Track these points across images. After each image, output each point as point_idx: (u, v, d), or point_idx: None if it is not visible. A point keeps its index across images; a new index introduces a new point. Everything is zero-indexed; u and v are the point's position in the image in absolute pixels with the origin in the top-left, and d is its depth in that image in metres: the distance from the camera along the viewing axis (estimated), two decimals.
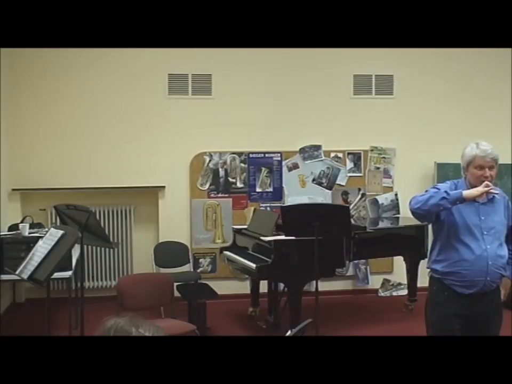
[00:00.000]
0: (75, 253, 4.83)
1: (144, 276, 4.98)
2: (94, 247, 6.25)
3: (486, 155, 3.00)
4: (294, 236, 4.74)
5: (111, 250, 6.38)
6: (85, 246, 4.87)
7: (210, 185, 6.56)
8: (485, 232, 3.05)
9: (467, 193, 2.96)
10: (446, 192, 2.98)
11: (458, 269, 3.05)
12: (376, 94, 6.82)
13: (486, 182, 2.96)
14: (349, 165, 6.78)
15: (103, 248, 6.33)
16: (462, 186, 3.11)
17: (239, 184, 6.61)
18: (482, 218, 3.06)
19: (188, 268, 6.30)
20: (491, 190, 2.95)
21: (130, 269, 6.49)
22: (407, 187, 6.61)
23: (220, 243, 6.41)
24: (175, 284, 4.96)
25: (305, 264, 4.80)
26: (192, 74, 6.52)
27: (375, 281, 6.83)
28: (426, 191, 3.16)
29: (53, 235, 3.74)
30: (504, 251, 3.11)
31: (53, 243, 3.68)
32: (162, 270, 5.99)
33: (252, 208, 6.40)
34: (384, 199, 6.80)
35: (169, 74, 6.49)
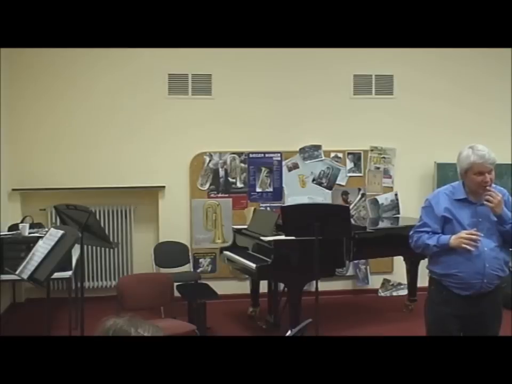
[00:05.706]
0: (75, 253, 4.83)
1: (144, 276, 4.98)
2: (94, 247, 6.26)
3: (484, 161, 2.98)
4: (294, 236, 4.74)
5: (111, 250, 6.38)
6: (85, 246, 4.86)
7: (210, 185, 6.56)
8: (482, 235, 3.04)
9: (453, 244, 3.01)
10: (435, 246, 3.08)
11: (455, 271, 3.06)
12: (376, 94, 6.81)
13: (466, 234, 2.98)
14: (349, 165, 6.77)
15: (103, 248, 6.33)
16: (460, 190, 3.11)
17: (239, 184, 6.61)
18: (480, 220, 3.06)
19: (188, 268, 6.30)
20: (473, 240, 2.96)
21: (130, 269, 6.49)
22: (407, 187, 6.63)
23: (220, 243, 6.41)
24: (175, 283, 4.96)
25: (305, 264, 4.79)
26: (192, 74, 6.52)
27: (375, 281, 6.83)
28: (426, 199, 3.22)
29: (53, 235, 3.73)
30: (502, 252, 3.11)
31: (53, 243, 3.67)
32: (162, 270, 5.99)
33: (252, 208, 6.39)
34: (384, 199, 6.80)
35: (169, 74, 6.49)
